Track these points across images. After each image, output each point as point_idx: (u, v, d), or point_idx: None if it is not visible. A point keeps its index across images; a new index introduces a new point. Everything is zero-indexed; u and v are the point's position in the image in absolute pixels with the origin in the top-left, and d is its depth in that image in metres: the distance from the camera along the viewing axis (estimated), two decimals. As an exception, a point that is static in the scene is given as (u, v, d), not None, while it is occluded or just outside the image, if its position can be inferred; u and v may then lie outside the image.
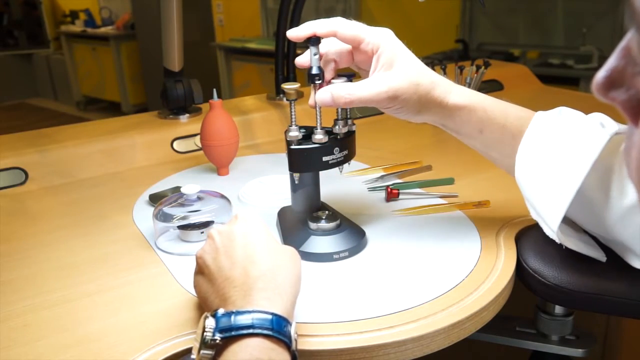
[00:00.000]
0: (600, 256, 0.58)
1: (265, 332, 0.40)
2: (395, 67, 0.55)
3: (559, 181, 0.54)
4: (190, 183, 0.69)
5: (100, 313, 0.55)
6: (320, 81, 0.57)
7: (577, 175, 0.52)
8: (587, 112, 0.58)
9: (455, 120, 0.59)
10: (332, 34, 0.56)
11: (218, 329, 0.41)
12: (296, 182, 0.64)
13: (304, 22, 0.58)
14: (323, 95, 0.56)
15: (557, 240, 0.56)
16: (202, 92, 1.09)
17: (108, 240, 0.70)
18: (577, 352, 0.72)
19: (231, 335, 0.40)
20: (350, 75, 0.59)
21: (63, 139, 0.96)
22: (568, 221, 0.61)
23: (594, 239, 0.61)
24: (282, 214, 0.70)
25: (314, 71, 0.57)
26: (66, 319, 0.54)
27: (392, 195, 0.77)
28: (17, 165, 0.89)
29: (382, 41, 0.55)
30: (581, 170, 0.52)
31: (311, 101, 0.59)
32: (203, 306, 0.49)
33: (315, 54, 0.57)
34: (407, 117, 0.58)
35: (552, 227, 0.55)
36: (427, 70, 0.57)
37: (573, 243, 0.58)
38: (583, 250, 0.58)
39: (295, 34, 0.56)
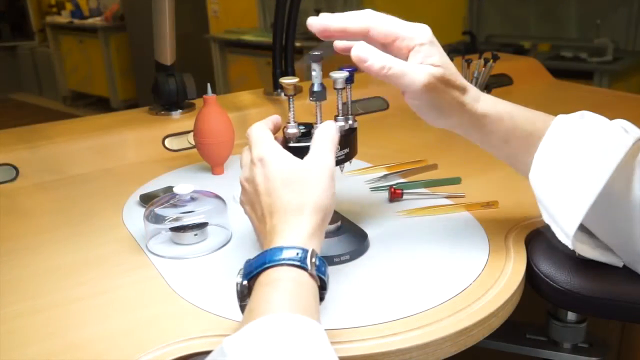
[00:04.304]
0: (618, 261, 0.58)
1: (272, 263, 0.46)
2: (435, 63, 0.54)
3: (579, 184, 0.54)
4: (183, 182, 0.69)
5: (89, 319, 0.55)
6: (322, 101, 0.58)
7: (599, 178, 0.52)
8: (601, 107, 0.58)
9: (480, 129, 0.58)
10: (364, 31, 0.54)
11: (242, 275, 0.48)
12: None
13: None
14: (362, 51, 0.52)
15: (571, 247, 0.56)
16: (196, 86, 1.09)
17: (98, 243, 0.70)
18: (590, 360, 0.72)
19: (252, 274, 0.47)
20: (352, 69, 0.59)
21: (54, 135, 0.97)
22: (581, 227, 0.61)
23: None
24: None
25: (316, 88, 0.57)
26: (54, 325, 0.54)
27: (395, 195, 0.77)
28: (8, 161, 0.90)
29: (421, 38, 0.54)
30: (603, 174, 0.52)
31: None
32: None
33: (316, 71, 0.57)
34: (431, 117, 0.58)
35: (567, 232, 0.55)
36: (459, 74, 0.57)
37: (588, 251, 0.58)
38: (598, 258, 0.58)
39: (321, 24, 0.53)
